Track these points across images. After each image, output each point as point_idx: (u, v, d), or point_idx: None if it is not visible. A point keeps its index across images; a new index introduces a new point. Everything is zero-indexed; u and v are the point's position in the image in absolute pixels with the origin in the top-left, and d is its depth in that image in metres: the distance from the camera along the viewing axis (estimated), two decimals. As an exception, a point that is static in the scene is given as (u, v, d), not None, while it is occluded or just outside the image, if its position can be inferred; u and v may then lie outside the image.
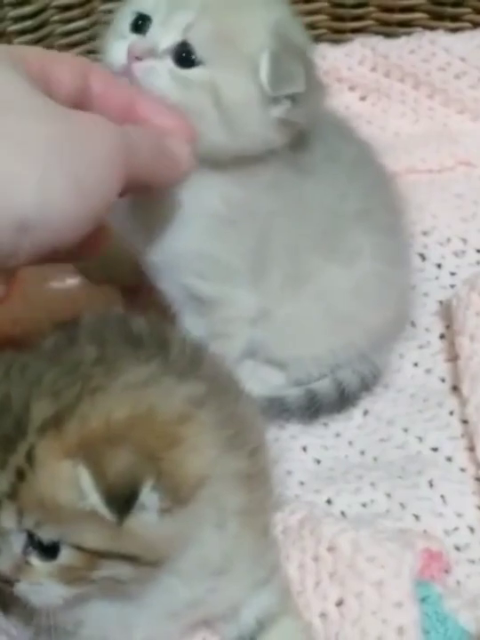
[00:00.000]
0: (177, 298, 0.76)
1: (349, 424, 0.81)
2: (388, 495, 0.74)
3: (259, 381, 0.78)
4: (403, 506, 0.73)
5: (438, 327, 0.86)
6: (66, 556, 0.53)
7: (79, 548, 0.53)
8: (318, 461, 0.78)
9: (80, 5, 0.95)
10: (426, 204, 0.91)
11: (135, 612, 0.59)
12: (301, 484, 0.76)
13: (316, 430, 0.80)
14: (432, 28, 1.00)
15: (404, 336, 0.84)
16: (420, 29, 1.01)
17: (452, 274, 0.89)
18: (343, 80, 1.00)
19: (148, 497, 0.52)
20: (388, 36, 1.01)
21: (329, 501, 0.74)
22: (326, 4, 1.02)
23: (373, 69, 1.00)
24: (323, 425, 0.80)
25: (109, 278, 0.85)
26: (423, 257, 0.90)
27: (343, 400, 0.80)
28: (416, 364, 0.84)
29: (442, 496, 0.73)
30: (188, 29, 0.67)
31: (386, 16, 1.02)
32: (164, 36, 0.67)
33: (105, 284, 0.84)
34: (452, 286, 0.88)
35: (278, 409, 0.79)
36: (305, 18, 1.01)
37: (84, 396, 0.53)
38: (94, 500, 0.51)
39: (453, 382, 0.82)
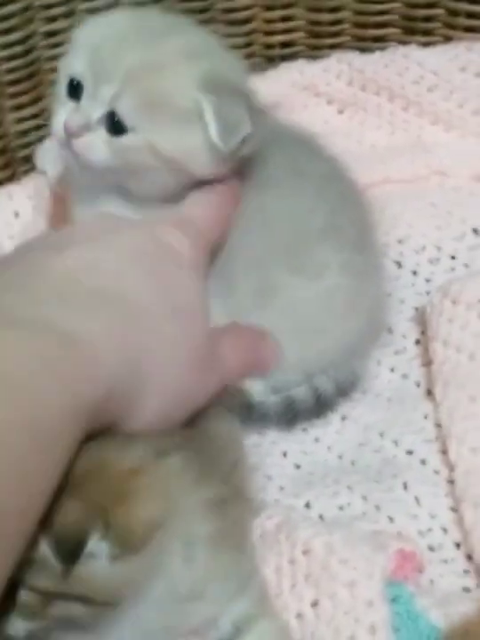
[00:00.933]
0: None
1: (328, 429, 0.83)
2: (365, 498, 0.76)
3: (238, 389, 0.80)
4: (378, 508, 0.75)
5: (414, 333, 0.88)
6: (23, 594, 0.56)
7: (32, 589, 0.55)
8: (298, 466, 0.80)
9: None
10: (401, 213, 0.93)
11: None
12: (281, 488, 0.78)
13: (295, 436, 0.82)
14: (405, 43, 1.02)
15: (382, 342, 0.86)
16: (393, 44, 1.02)
17: (428, 280, 0.91)
18: (321, 94, 1.02)
19: (97, 546, 0.55)
20: (363, 51, 1.03)
21: (307, 505, 0.76)
22: (303, 22, 1.04)
23: (350, 84, 1.01)
24: (302, 430, 0.82)
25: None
26: (399, 264, 0.92)
27: (320, 406, 0.82)
28: (392, 370, 0.86)
29: (416, 498, 0.75)
30: (115, 100, 0.68)
31: (361, 32, 1.04)
32: (94, 108, 0.69)
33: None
34: (428, 293, 0.90)
35: (257, 416, 0.80)
36: (282, 36, 1.04)
37: None
38: (44, 548, 0.54)
39: (428, 387, 0.84)
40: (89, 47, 0.71)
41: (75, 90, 0.71)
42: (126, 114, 0.69)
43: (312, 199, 0.79)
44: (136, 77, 0.69)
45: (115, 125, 0.69)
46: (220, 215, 0.73)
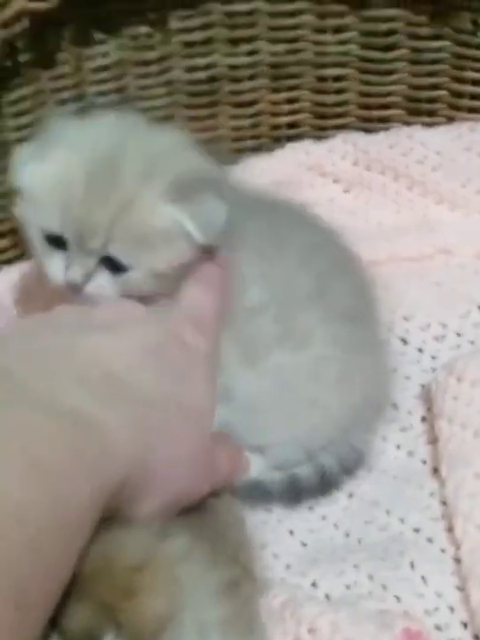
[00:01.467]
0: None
1: (335, 507, 0.82)
2: (371, 577, 0.75)
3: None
4: (384, 587, 0.74)
5: (420, 410, 0.88)
6: None
7: None
8: (304, 544, 0.80)
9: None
10: (407, 290, 0.94)
11: None
12: (287, 567, 0.78)
13: (302, 514, 0.82)
14: (409, 124, 1.04)
15: (387, 418, 0.87)
16: (398, 125, 1.04)
17: (433, 357, 0.92)
18: (327, 174, 1.03)
19: None
20: (368, 131, 1.04)
21: (314, 584, 0.75)
22: (308, 104, 1.06)
23: (355, 164, 1.03)
24: (308, 509, 0.82)
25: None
26: (405, 341, 0.92)
27: (325, 484, 0.82)
28: (399, 447, 0.86)
29: (422, 577, 0.75)
30: (105, 248, 0.70)
31: (365, 113, 1.06)
32: (88, 259, 0.70)
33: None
34: (433, 370, 0.90)
35: (261, 493, 0.80)
36: (288, 117, 1.06)
37: None
38: None
39: (434, 464, 0.83)
40: (53, 203, 0.71)
41: (54, 240, 0.72)
42: (121, 257, 0.70)
43: (295, 266, 0.79)
44: (115, 224, 0.70)
45: (115, 265, 0.71)
46: (222, 295, 0.74)
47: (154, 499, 0.62)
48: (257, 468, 0.80)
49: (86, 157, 0.71)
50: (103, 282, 0.71)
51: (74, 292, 0.72)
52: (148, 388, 0.64)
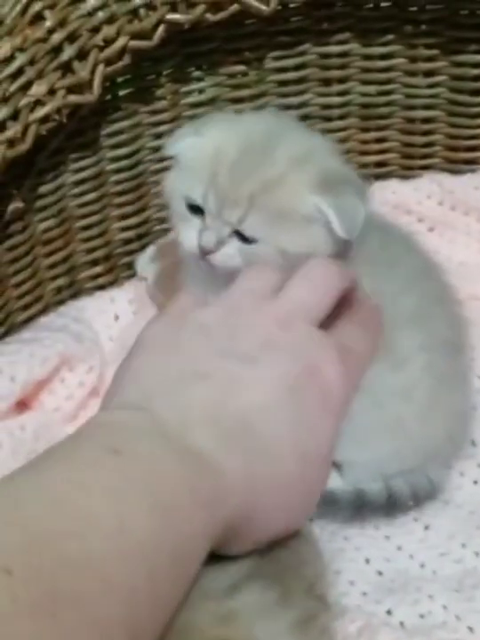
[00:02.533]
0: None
1: (411, 538, 0.84)
2: (445, 607, 0.77)
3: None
4: (458, 618, 0.76)
5: (498, 447, 0.90)
6: None
7: None
8: (380, 573, 0.82)
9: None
10: (488, 330, 0.96)
11: None
12: (364, 594, 0.79)
13: (378, 543, 0.83)
14: (495, 166, 1.06)
15: (465, 454, 0.88)
16: (484, 167, 1.06)
17: (511, 396, 0.93)
18: (413, 212, 1.05)
19: None
20: (453, 172, 1.07)
21: (389, 612, 0.77)
22: (397, 144, 1.08)
23: (440, 203, 1.05)
24: (385, 538, 0.84)
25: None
26: (485, 380, 0.94)
27: (390, 506, 0.84)
28: (476, 482, 0.87)
29: (496, 610, 0.77)
30: (241, 222, 0.74)
31: (452, 154, 1.08)
32: (222, 227, 0.74)
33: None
34: (511, 408, 0.91)
35: (327, 502, 0.81)
36: (377, 156, 1.09)
37: None
38: None
39: (510, 500, 0.85)
40: (201, 172, 0.75)
41: (194, 208, 0.76)
42: (254, 230, 0.74)
43: (402, 286, 0.81)
44: (256, 200, 0.73)
45: (246, 237, 0.74)
46: (377, 334, 0.75)
47: (248, 541, 0.64)
48: (332, 483, 0.82)
49: (242, 136, 0.77)
50: (233, 251, 0.75)
51: (203, 257, 0.75)
52: (276, 442, 0.64)
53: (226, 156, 0.75)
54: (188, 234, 0.77)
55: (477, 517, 0.85)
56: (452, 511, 0.86)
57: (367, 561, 0.83)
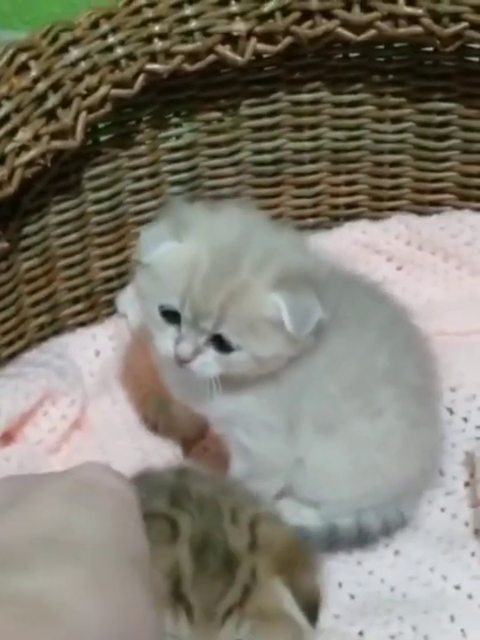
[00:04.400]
0: (228, 444, 0.87)
1: (382, 562, 0.88)
2: (414, 628, 0.81)
3: (297, 517, 0.85)
4: (426, 638, 0.80)
5: (464, 475, 0.93)
6: None
7: None
8: (352, 596, 0.86)
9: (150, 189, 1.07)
10: (454, 363, 0.99)
11: None
12: (336, 617, 0.83)
13: (350, 567, 0.87)
14: (460, 208, 1.10)
15: (434, 483, 0.92)
16: (449, 209, 1.10)
17: (477, 427, 0.97)
18: (382, 252, 1.09)
19: None
20: (421, 214, 1.10)
21: (361, 633, 0.81)
22: (366, 187, 1.12)
23: (408, 243, 1.09)
24: (357, 563, 0.88)
25: (173, 431, 0.96)
26: (451, 411, 0.98)
27: (362, 540, 0.87)
28: (443, 510, 0.91)
29: (462, 630, 0.81)
30: (216, 329, 0.76)
31: (419, 197, 1.12)
32: (198, 336, 0.77)
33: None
34: (478, 438, 0.96)
35: (302, 536, 0.82)
36: (347, 198, 1.13)
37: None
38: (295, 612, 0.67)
39: (476, 526, 0.89)
40: (177, 282, 0.77)
41: (169, 315, 0.79)
42: (231, 338, 0.77)
43: (375, 341, 0.84)
44: (226, 310, 0.76)
45: (222, 345, 0.77)
46: None
47: None
48: (309, 519, 0.86)
49: (214, 246, 0.78)
50: (209, 359, 0.78)
51: (180, 365, 0.78)
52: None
53: (200, 267, 0.77)
54: (164, 342, 0.79)
55: (445, 543, 0.89)
56: (421, 537, 0.89)
57: (340, 585, 0.86)
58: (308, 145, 1.09)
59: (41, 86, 0.90)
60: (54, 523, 0.49)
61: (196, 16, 0.95)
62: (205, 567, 0.66)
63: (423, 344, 0.90)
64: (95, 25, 0.92)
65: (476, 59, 1.02)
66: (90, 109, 0.94)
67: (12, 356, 1.02)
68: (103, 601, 0.46)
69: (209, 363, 0.78)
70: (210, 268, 0.77)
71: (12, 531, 0.48)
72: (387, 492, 0.87)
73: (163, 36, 0.94)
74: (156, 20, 0.94)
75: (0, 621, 0.43)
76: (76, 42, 0.91)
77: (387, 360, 0.84)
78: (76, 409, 0.95)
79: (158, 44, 0.94)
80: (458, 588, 0.85)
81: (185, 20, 0.95)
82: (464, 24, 0.95)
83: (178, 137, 1.06)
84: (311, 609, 0.68)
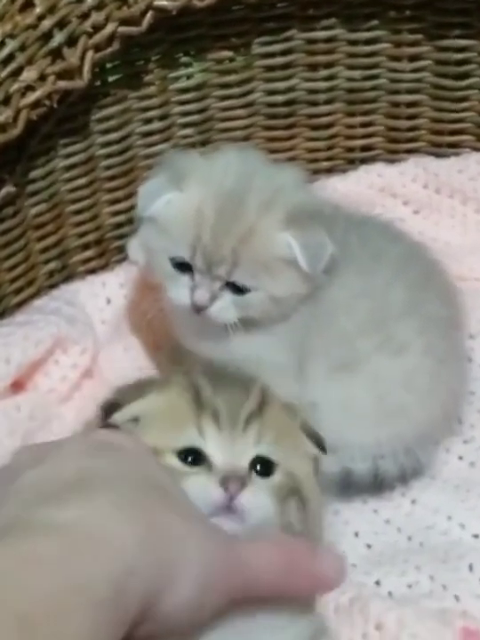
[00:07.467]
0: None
1: (399, 511, 0.86)
2: (432, 577, 0.79)
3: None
4: (445, 587, 0.78)
5: (482, 423, 0.92)
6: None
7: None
8: (369, 546, 0.84)
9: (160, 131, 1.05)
10: (473, 309, 0.97)
11: None
12: (353, 566, 0.81)
13: (366, 516, 0.86)
14: (479, 149, 1.08)
15: (451, 431, 0.90)
16: (467, 150, 1.08)
17: (497, 374, 0.95)
18: (398, 196, 1.07)
19: None
20: (438, 156, 1.08)
21: (377, 582, 0.80)
22: (383, 128, 1.10)
23: (425, 186, 1.07)
24: (373, 512, 0.86)
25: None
26: (470, 359, 0.95)
27: (377, 486, 0.86)
28: (461, 458, 0.90)
29: (480, 579, 0.79)
30: (230, 274, 0.76)
31: (437, 138, 1.10)
32: (213, 282, 0.77)
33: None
34: (496, 386, 0.94)
35: None
36: (363, 140, 1.11)
37: None
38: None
39: (494, 474, 0.87)
40: (185, 233, 0.77)
41: (181, 266, 0.78)
42: (245, 281, 0.76)
43: (390, 276, 0.83)
44: (239, 253, 0.76)
45: (238, 288, 0.77)
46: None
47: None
48: (328, 468, 0.83)
49: (217, 191, 0.78)
50: (226, 304, 0.77)
51: (197, 312, 0.78)
52: None
53: (206, 214, 0.77)
54: (179, 291, 0.79)
55: (462, 491, 0.87)
56: (438, 485, 0.88)
57: (356, 534, 0.85)
58: (323, 85, 1.07)
59: (46, 24, 0.87)
60: (80, 469, 0.54)
61: None
62: (222, 382, 0.69)
63: (443, 276, 0.89)
64: (102, -41, 0.90)
65: (497, -7, 0.99)
66: (97, 48, 0.91)
67: (21, 304, 1.01)
68: (135, 521, 0.50)
69: (226, 307, 0.78)
70: (216, 214, 0.77)
71: (42, 477, 0.54)
72: (410, 435, 0.85)
73: (171, -30, 0.92)
74: (165, -47, 0.91)
75: (45, 549, 0.47)
76: (81, -23, 0.88)
77: (404, 294, 0.83)
78: (87, 357, 0.94)
79: (167, -22, 0.92)
80: (476, 536, 0.83)
81: (195, -48, 0.92)
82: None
83: (188, 77, 1.04)
84: (317, 439, 0.71)
